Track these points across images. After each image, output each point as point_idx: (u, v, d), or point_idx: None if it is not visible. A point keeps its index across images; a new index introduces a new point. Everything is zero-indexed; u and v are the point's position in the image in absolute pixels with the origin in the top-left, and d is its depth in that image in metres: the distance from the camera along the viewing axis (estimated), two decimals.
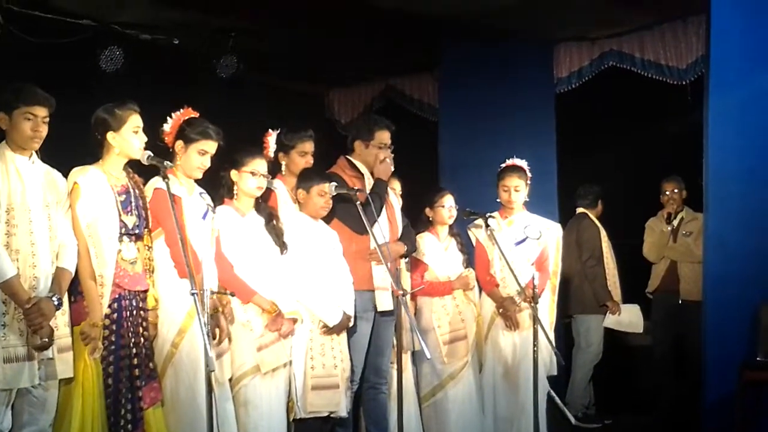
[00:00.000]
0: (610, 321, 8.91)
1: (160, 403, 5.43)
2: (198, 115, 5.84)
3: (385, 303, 6.53)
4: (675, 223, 8.90)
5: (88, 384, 5.11)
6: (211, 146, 5.73)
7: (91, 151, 5.47)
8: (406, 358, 6.83)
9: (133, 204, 5.41)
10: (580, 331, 9.07)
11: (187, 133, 5.74)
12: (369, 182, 6.63)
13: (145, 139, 5.42)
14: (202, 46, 8.77)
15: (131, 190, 5.44)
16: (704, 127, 7.91)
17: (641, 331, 8.96)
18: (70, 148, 5.47)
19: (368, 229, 6.14)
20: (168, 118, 5.82)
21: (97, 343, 5.14)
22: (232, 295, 5.72)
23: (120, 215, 5.31)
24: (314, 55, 9.29)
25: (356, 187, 6.42)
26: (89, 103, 5.66)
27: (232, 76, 8.85)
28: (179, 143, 5.74)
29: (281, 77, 10.00)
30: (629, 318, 8.90)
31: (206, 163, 5.75)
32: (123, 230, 5.32)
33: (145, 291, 5.45)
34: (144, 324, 5.41)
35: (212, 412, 4.82)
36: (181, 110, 5.83)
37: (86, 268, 5.19)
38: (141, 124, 5.42)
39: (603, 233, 9.09)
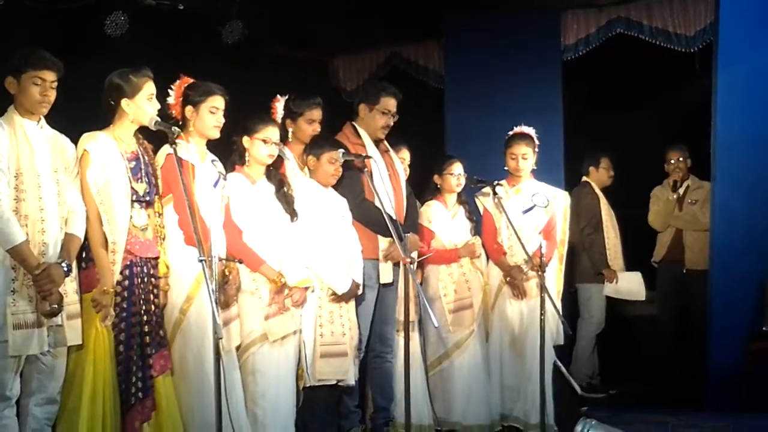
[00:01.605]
0: (609, 289, 8.86)
1: (170, 372, 5.43)
2: (193, 80, 5.84)
3: (386, 275, 6.57)
4: (681, 191, 8.85)
5: (99, 351, 5.11)
6: (219, 102, 5.73)
7: (96, 117, 5.45)
8: (413, 327, 6.81)
9: (144, 171, 5.40)
10: (582, 300, 9.04)
11: (191, 97, 5.74)
12: (371, 150, 6.59)
13: (158, 106, 5.41)
14: (207, 11, 8.69)
15: (141, 157, 5.42)
16: (712, 96, 7.90)
17: (643, 298, 8.90)
18: (75, 113, 5.46)
19: (376, 195, 6.13)
20: (168, 91, 5.80)
21: (108, 310, 5.13)
22: (240, 262, 5.69)
23: (130, 182, 5.30)
24: (319, 22, 9.20)
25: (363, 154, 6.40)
26: (94, 69, 5.64)
27: (237, 43, 8.79)
28: (188, 109, 5.73)
29: (286, 44, 9.91)
30: (629, 286, 8.84)
31: (220, 119, 5.75)
32: (134, 197, 5.31)
33: (156, 258, 5.44)
34: (155, 291, 5.40)
35: (220, 379, 4.80)
36: (178, 81, 5.80)
37: (97, 236, 5.18)
38: (155, 91, 5.41)
39: (603, 201, 9.02)
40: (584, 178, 9.15)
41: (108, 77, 5.39)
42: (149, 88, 5.37)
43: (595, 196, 9.02)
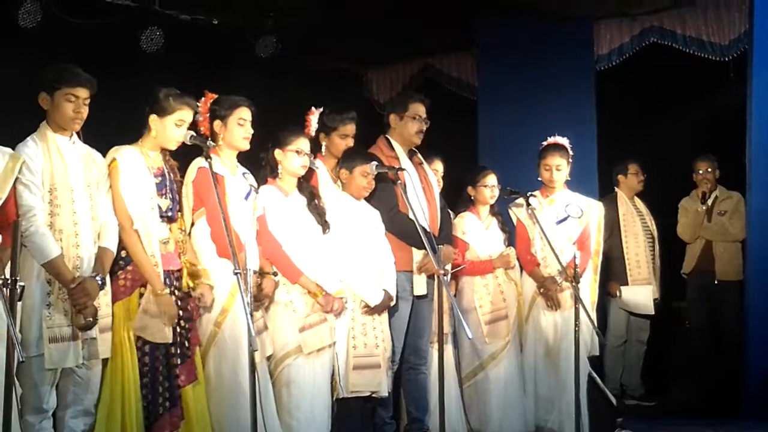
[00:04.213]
0: (619, 303, 8.80)
1: (198, 381, 5.42)
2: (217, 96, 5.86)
3: (419, 287, 6.55)
4: (709, 202, 8.77)
5: (124, 362, 5.14)
6: (246, 113, 5.77)
7: (129, 132, 5.50)
8: (447, 339, 6.80)
9: (168, 187, 5.43)
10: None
11: (219, 111, 5.77)
12: (404, 163, 6.59)
13: (183, 133, 5.39)
14: (241, 25, 8.76)
15: (167, 174, 5.46)
16: (747, 105, 7.85)
17: (651, 312, 8.81)
18: (109, 127, 5.51)
19: (409, 207, 6.15)
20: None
21: (173, 310, 5.24)
22: (275, 274, 5.72)
23: (155, 197, 5.33)
24: (352, 35, 9.23)
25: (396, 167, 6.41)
26: (130, 83, 5.68)
27: (271, 57, 8.85)
28: (217, 123, 5.76)
29: (320, 57, 9.96)
30: (635, 299, 8.74)
31: (249, 130, 5.78)
32: (156, 212, 5.34)
33: (179, 270, 5.44)
34: (178, 303, 5.38)
35: (255, 390, 4.82)
36: (203, 98, 5.79)
37: (135, 242, 5.22)
38: (188, 119, 5.43)
39: (628, 210, 8.88)
40: (615, 189, 9.04)
41: (156, 89, 5.43)
42: (182, 114, 5.40)
43: (615, 207, 8.84)
